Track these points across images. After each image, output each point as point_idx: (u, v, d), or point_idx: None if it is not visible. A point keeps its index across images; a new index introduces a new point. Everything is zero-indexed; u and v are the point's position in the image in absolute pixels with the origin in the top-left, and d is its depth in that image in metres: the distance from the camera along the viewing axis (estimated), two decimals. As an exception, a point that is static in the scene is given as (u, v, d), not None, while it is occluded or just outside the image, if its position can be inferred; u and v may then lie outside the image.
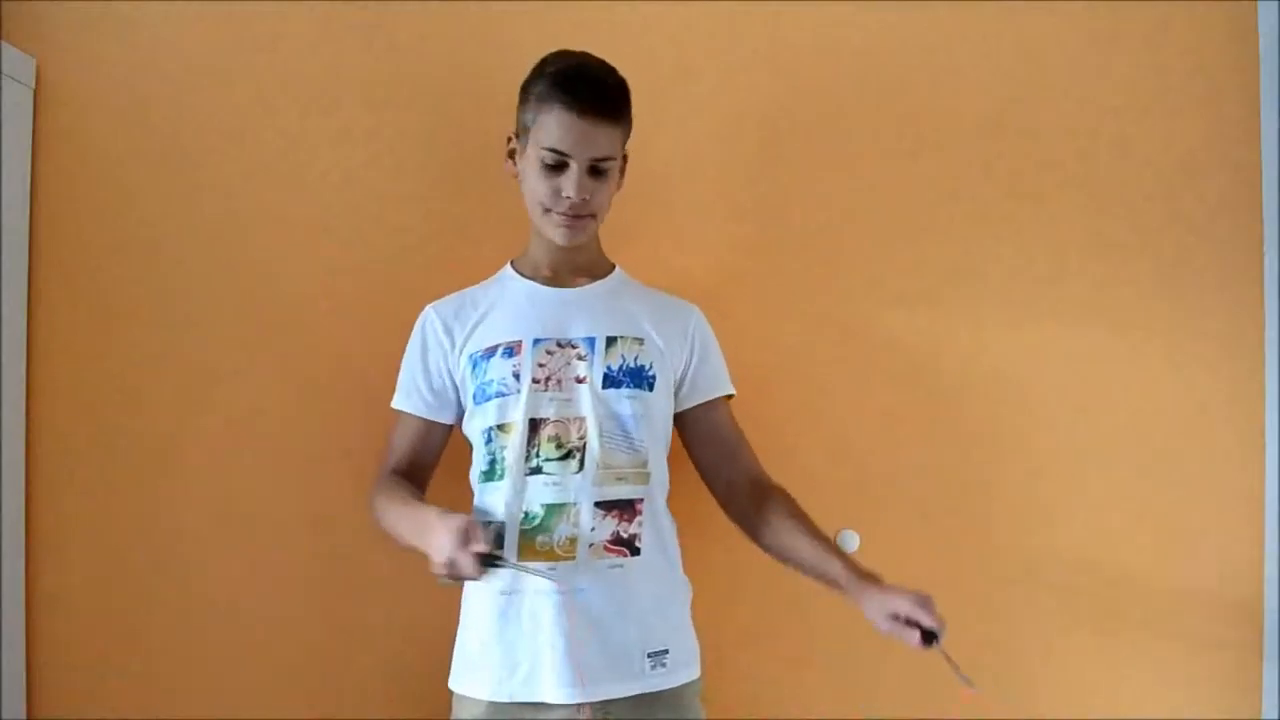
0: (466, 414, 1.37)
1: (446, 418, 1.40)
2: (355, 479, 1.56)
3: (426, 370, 1.39)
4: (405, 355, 1.42)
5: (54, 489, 1.54)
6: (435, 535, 1.18)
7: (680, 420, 1.42)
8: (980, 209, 1.65)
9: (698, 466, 1.44)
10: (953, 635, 1.61)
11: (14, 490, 1.50)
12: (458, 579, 1.18)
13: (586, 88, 1.29)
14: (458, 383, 1.38)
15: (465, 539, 1.15)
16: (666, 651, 1.30)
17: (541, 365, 1.33)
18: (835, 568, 1.31)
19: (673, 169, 1.62)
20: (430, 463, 1.42)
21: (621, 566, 1.29)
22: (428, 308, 1.42)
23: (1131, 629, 1.63)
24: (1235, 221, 1.66)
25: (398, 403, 1.41)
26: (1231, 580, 1.64)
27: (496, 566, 1.19)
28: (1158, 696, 1.62)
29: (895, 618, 1.23)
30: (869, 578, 1.28)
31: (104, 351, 1.56)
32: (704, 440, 1.42)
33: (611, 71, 1.33)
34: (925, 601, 1.21)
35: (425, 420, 1.39)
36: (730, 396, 1.44)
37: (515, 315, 1.38)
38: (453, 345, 1.38)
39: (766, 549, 1.38)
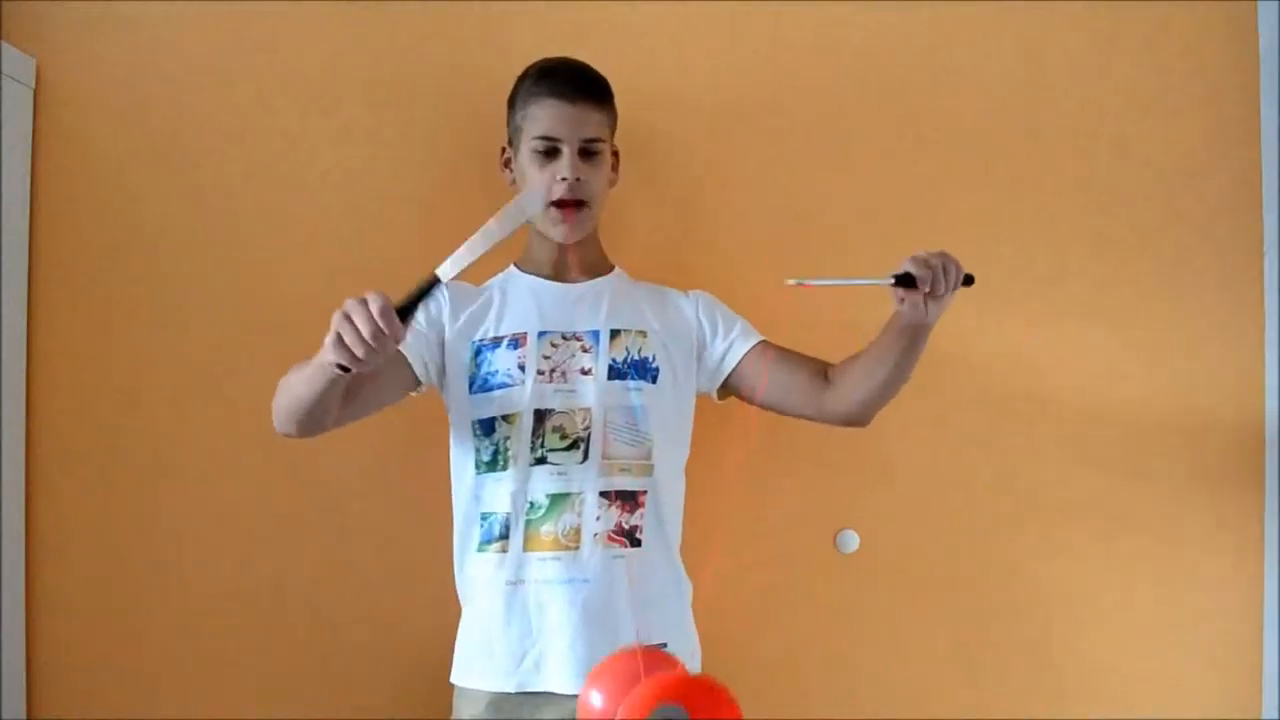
0: (462, 403, 1.36)
1: (411, 357, 1.33)
2: (355, 479, 1.56)
3: (419, 312, 1.36)
4: None
5: (54, 489, 1.54)
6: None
7: (733, 386, 1.42)
8: (980, 209, 1.65)
9: (780, 411, 1.41)
10: (954, 633, 1.62)
11: (14, 490, 1.50)
12: (365, 348, 1.05)
13: (568, 74, 1.39)
14: (444, 352, 1.37)
15: (368, 299, 1.06)
16: (664, 645, 1.30)
17: (546, 358, 1.34)
18: (889, 333, 1.28)
19: (672, 169, 1.62)
20: (364, 389, 1.28)
21: (622, 558, 1.30)
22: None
23: (1128, 642, 1.64)
24: (1235, 221, 1.66)
25: None
26: (1233, 579, 1.64)
27: (413, 311, 1.09)
28: None
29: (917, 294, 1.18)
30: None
31: (104, 351, 1.56)
32: (770, 388, 1.39)
33: (590, 67, 1.41)
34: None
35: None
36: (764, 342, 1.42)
37: (520, 308, 1.39)
38: (454, 316, 1.38)
39: (860, 402, 1.34)
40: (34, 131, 1.55)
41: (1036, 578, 1.63)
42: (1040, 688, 1.62)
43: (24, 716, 1.50)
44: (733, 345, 1.41)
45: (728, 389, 1.44)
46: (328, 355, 1.09)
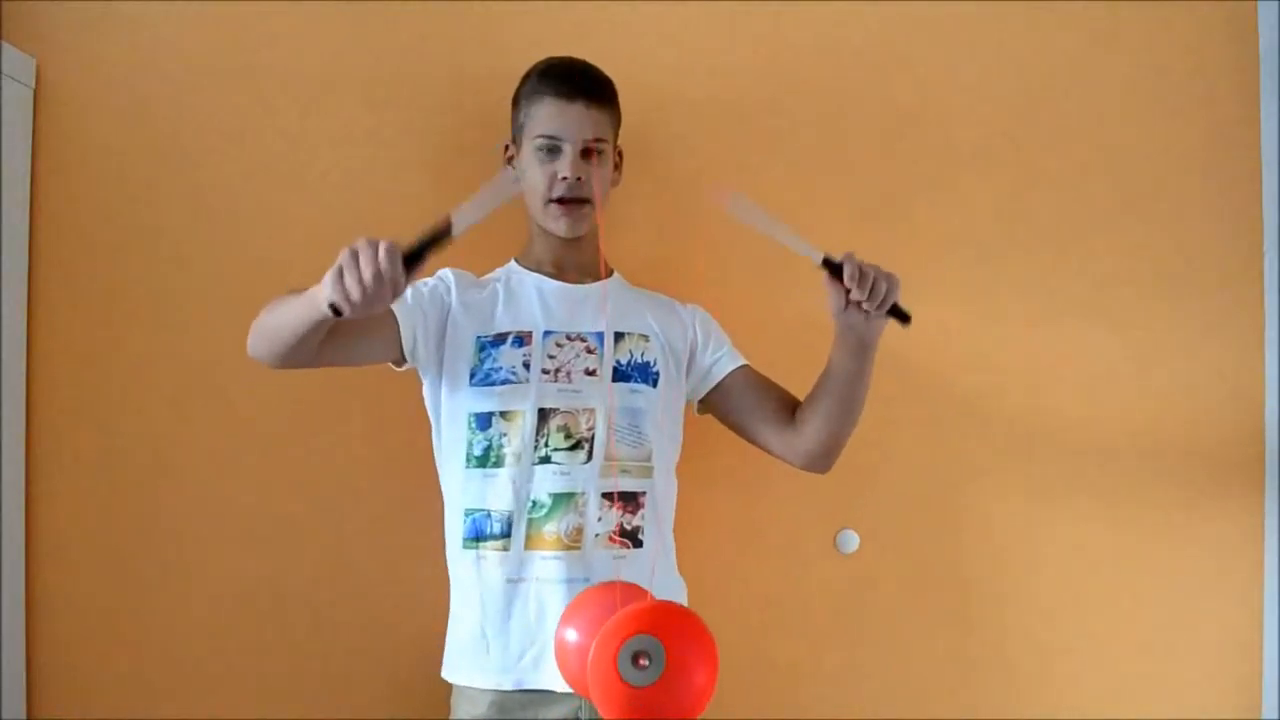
0: (459, 393, 1.35)
1: (403, 326, 1.31)
2: (354, 478, 1.56)
3: (423, 288, 1.36)
4: None
5: (54, 489, 1.54)
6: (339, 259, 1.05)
7: (712, 403, 1.44)
8: (979, 209, 1.65)
9: (749, 439, 1.43)
10: (954, 633, 1.62)
11: (14, 490, 1.50)
12: (366, 291, 1.04)
13: (572, 75, 1.39)
14: (443, 336, 1.35)
15: (377, 244, 1.05)
16: None
17: (551, 357, 1.35)
18: (834, 357, 1.30)
19: (672, 169, 1.62)
20: (349, 335, 1.25)
21: (625, 558, 1.30)
22: (444, 268, 1.40)
23: (1128, 642, 1.64)
24: (1235, 221, 1.66)
25: None
26: (1233, 579, 1.64)
27: (420, 258, 1.08)
28: None
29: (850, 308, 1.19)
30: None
31: (104, 351, 1.56)
32: (739, 410, 1.42)
33: (595, 67, 1.42)
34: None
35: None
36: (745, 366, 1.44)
37: (525, 306, 1.39)
38: (460, 302, 1.37)
39: (818, 437, 1.36)
40: (34, 131, 1.55)
41: (1036, 577, 1.63)
42: (1040, 688, 1.62)
43: (24, 716, 1.50)
44: (720, 361, 1.43)
45: (707, 405, 1.45)
46: (325, 290, 1.07)
